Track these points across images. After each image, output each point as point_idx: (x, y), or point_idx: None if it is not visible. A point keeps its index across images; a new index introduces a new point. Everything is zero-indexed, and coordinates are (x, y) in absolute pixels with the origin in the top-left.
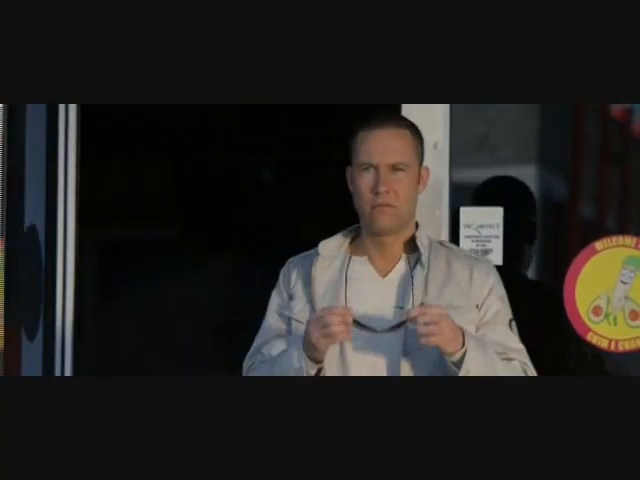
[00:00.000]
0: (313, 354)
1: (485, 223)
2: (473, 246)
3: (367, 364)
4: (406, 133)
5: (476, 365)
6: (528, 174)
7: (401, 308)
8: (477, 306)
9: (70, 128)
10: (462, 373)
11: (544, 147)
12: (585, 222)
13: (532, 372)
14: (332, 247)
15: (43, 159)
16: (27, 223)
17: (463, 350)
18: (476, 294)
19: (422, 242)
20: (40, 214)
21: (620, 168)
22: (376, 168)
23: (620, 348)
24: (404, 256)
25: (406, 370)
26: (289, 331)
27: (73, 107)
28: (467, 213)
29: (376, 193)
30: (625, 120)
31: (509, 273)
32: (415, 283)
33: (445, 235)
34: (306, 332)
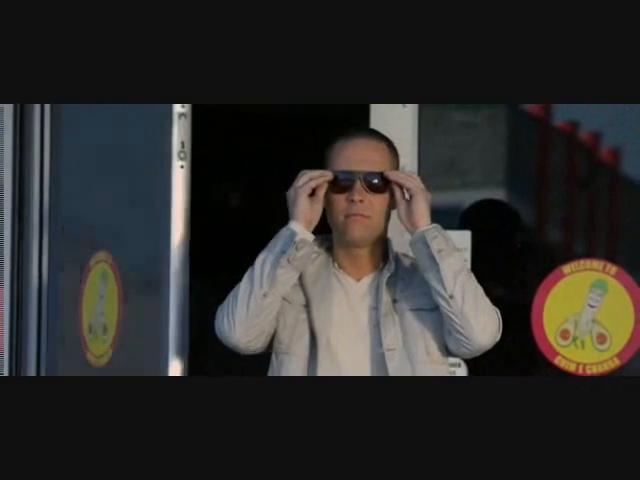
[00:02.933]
0: (298, 209)
1: None
2: None
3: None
4: (382, 146)
5: (443, 242)
6: (496, 198)
7: (375, 309)
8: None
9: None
10: (429, 239)
11: (512, 171)
12: (552, 246)
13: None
14: (316, 242)
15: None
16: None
17: (432, 225)
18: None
19: (392, 252)
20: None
21: (587, 192)
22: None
23: (588, 372)
24: (376, 265)
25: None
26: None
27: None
28: None
29: (351, 201)
30: (592, 145)
31: None
32: (385, 285)
33: None
34: (289, 197)
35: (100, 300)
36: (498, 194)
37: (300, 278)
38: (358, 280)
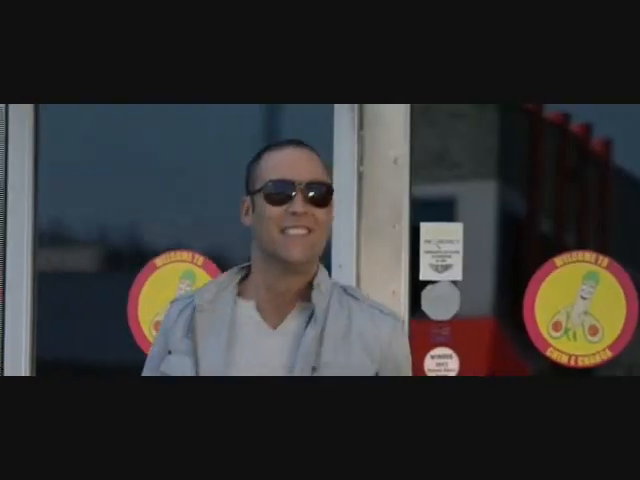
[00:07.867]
0: None
1: (445, 238)
2: (433, 261)
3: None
4: (317, 157)
5: None
6: (487, 190)
7: (290, 368)
8: (376, 372)
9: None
10: None
11: (503, 163)
12: (545, 238)
13: None
14: (211, 295)
15: None
16: None
17: None
18: (375, 354)
19: (320, 290)
20: None
21: (579, 184)
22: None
23: (580, 363)
24: (299, 304)
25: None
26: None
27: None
28: (427, 228)
29: (292, 214)
30: (583, 136)
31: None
32: (307, 342)
33: (405, 250)
34: None
35: None
36: (489, 186)
37: (192, 348)
38: (275, 327)
